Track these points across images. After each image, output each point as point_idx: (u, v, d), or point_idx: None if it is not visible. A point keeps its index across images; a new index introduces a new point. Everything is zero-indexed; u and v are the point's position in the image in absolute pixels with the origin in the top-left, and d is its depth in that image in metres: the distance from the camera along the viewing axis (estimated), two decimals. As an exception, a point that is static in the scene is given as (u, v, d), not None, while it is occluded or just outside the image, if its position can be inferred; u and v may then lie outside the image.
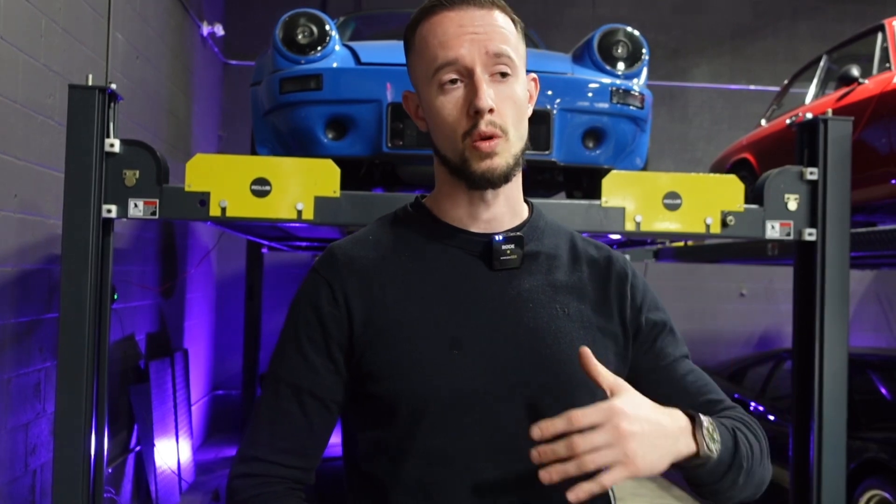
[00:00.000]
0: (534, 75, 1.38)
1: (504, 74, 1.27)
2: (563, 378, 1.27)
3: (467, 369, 1.25)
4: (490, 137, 1.25)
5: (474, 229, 1.34)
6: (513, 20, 1.32)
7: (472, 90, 1.25)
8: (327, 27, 3.27)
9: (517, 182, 1.35)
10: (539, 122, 3.19)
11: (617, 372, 1.32)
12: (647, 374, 1.36)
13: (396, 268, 1.31)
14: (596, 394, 1.28)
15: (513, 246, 1.32)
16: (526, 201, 1.42)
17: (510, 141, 1.27)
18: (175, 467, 5.44)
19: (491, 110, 1.24)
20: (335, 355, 1.29)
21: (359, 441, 1.33)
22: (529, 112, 1.34)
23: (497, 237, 1.32)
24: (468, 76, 1.25)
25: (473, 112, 1.24)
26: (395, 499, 1.26)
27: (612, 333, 1.34)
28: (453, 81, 1.26)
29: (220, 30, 7.12)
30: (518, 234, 1.33)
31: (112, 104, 2.72)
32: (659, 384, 1.36)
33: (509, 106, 1.27)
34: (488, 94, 1.24)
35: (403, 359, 1.25)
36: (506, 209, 1.35)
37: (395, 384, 1.25)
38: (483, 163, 1.25)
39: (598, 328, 1.33)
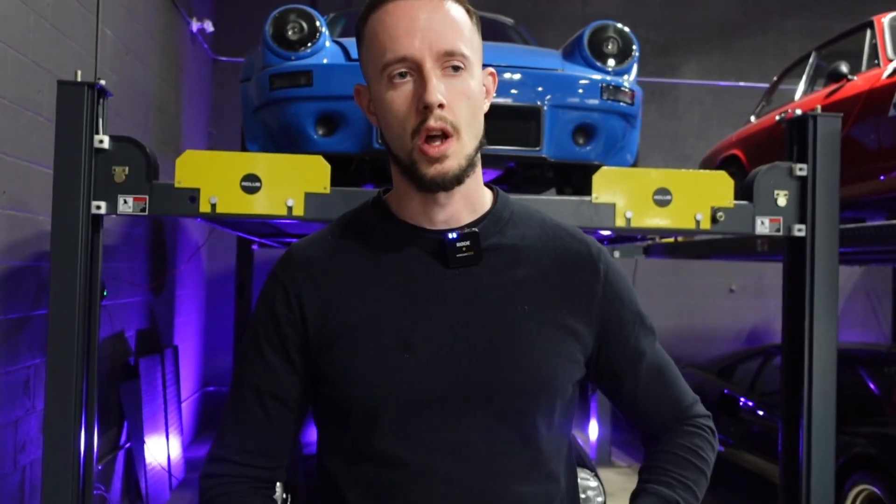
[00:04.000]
0: (491, 69, 1.33)
1: (456, 68, 1.22)
2: (522, 379, 1.25)
3: (419, 373, 1.23)
4: (441, 136, 1.20)
5: (430, 227, 1.29)
6: (467, 10, 1.26)
7: (421, 85, 1.20)
8: (317, 23, 3.26)
9: (475, 177, 1.30)
10: (529, 119, 3.19)
11: (581, 368, 1.33)
12: (612, 374, 1.37)
13: (352, 269, 1.29)
14: (555, 393, 1.28)
15: (468, 242, 1.27)
16: (492, 189, 1.37)
17: (462, 140, 1.22)
18: (165, 464, 5.43)
19: (441, 105, 1.19)
20: (293, 357, 1.28)
21: (321, 438, 1.34)
22: (486, 107, 1.29)
23: (450, 235, 1.27)
24: (417, 70, 1.21)
25: (422, 107, 1.19)
26: (352, 498, 1.25)
27: (576, 328, 1.30)
28: (402, 75, 1.21)
29: (209, 26, 7.09)
30: (473, 230, 1.28)
31: (101, 100, 2.70)
32: (622, 386, 1.39)
33: (462, 101, 1.22)
34: (438, 89, 1.19)
35: (355, 363, 1.24)
36: (463, 205, 1.30)
37: (348, 389, 1.24)
38: (433, 167, 1.21)
39: (561, 324, 1.29)
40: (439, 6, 1.23)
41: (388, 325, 1.25)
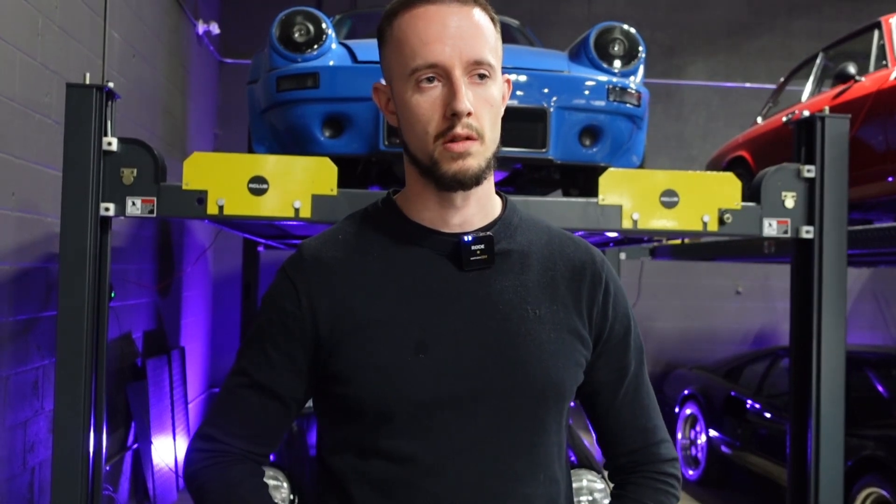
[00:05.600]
0: (507, 77, 1.36)
1: (482, 76, 1.25)
2: (531, 381, 1.27)
3: (432, 373, 1.24)
4: (465, 139, 1.23)
5: (444, 229, 1.31)
6: (492, 18, 1.29)
7: (450, 92, 1.22)
8: (324, 25, 3.26)
9: (489, 181, 1.33)
10: (536, 120, 3.19)
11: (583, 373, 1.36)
12: (594, 383, 1.39)
13: (364, 268, 1.30)
14: (564, 397, 1.31)
15: (482, 246, 1.29)
16: (500, 195, 1.39)
17: (486, 144, 1.25)
18: (172, 465, 5.44)
19: (469, 113, 1.22)
20: (297, 356, 1.29)
21: (326, 436, 1.34)
22: (501, 113, 1.32)
23: (466, 237, 1.29)
24: (446, 77, 1.23)
25: (451, 114, 1.22)
26: (358, 495, 1.26)
27: (581, 335, 1.33)
28: (430, 80, 1.24)
29: (215, 28, 7.10)
30: (488, 233, 1.31)
31: (109, 102, 2.71)
32: (599, 396, 1.40)
33: (486, 109, 1.25)
34: (467, 97, 1.22)
35: (368, 363, 1.24)
36: (476, 209, 1.32)
37: (360, 388, 1.25)
38: (454, 164, 1.23)
39: (568, 330, 1.31)
40: (469, 14, 1.25)
41: (403, 325, 1.26)
